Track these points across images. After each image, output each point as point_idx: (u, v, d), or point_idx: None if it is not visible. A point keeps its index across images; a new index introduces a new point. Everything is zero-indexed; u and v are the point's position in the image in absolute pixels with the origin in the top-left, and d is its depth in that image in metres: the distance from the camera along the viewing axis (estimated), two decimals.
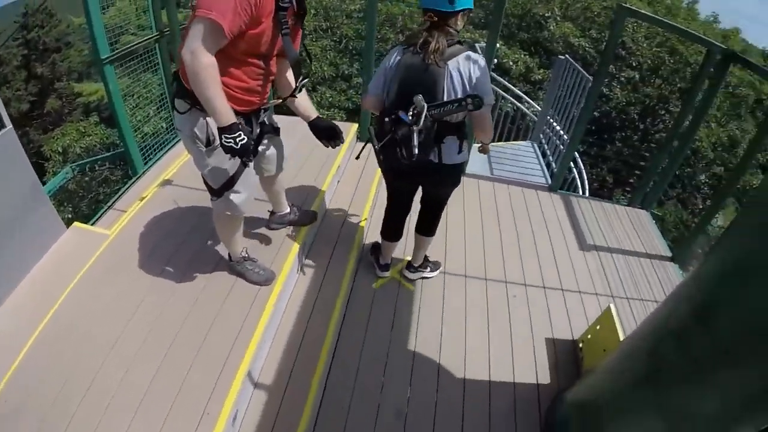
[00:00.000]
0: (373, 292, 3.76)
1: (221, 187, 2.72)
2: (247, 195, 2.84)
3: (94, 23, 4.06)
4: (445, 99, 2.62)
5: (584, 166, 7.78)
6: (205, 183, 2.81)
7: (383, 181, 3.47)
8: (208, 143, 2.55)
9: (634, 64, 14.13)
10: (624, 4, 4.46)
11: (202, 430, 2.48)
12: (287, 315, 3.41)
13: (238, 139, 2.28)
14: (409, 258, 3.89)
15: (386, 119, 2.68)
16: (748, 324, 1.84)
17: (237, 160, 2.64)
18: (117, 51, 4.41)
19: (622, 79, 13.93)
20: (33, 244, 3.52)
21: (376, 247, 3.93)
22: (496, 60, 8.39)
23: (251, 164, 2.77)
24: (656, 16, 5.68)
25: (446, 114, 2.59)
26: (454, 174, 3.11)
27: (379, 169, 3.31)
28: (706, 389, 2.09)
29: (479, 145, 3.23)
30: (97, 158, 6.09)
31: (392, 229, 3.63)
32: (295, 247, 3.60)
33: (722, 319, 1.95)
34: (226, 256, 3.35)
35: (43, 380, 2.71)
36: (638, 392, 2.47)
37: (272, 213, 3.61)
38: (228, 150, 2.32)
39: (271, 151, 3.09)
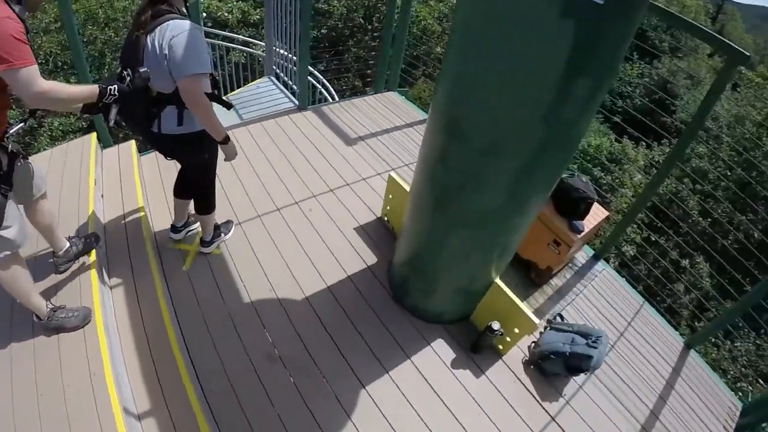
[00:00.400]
0: (188, 273, 3.62)
1: None
2: (19, 225, 2.58)
3: None
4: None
5: (332, 81, 7.97)
6: None
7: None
8: None
9: None
10: None
11: None
12: (124, 338, 3.14)
13: (114, 92, 2.39)
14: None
15: None
16: (486, 125, 2.24)
17: None
18: None
19: None
20: None
21: None
22: (205, 14, 8.06)
23: (11, 193, 2.52)
24: None
25: (136, 87, 2.52)
26: (179, 144, 2.93)
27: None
28: (483, 191, 2.50)
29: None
30: None
31: (176, 184, 3.51)
32: (94, 273, 3.27)
33: (469, 130, 2.32)
34: (36, 319, 2.92)
35: None
36: (437, 220, 2.85)
37: (55, 255, 3.21)
38: (117, 100, 2.45)
39: (27, 173, 2.78)
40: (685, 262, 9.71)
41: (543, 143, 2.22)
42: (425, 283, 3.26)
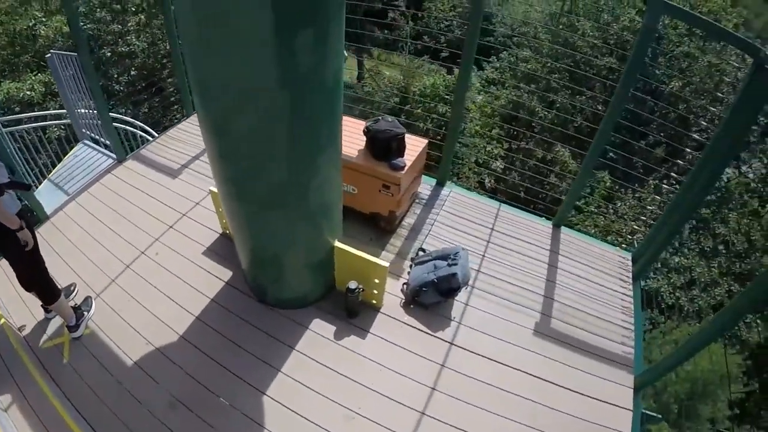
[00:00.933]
0: (69, 363, 3.47)
1: None
2: None
3: None
4: None
5: (162, 118, 7.58)
6: None
7: None
8: None
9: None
10: None
11: None
12: None
13: None
14: None
15: None
16: (231, 101, 2.40)
17: None
18: None
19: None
20: None
21: None
22: None
23: None
24: None
25: None
26: None
27: None
28: (263, 168, 2.65)
29: None
30: None
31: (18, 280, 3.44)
32: None
33: (222, 118, 2.50)
34: None
35: None
36: (244, 210, 2.99)
37: None
38: None
39: None
40: (549, 156, 10.25)
41: (291, 100, 2.34)
42: (273, 273, 3.33)
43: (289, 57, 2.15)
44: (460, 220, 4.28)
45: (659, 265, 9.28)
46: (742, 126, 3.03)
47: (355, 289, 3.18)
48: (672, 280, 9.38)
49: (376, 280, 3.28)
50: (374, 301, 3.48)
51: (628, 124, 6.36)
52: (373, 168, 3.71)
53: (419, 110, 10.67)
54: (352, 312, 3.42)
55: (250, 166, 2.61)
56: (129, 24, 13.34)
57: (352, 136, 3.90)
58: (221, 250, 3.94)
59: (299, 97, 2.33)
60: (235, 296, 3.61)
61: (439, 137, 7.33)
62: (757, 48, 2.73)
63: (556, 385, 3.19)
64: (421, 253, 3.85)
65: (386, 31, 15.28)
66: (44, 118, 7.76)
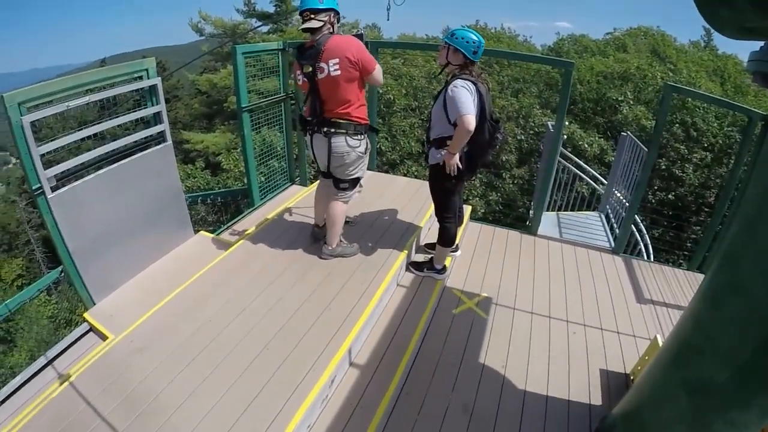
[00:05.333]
0: (453, 315, 4.45)
1: (356, 179, 4.25)
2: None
3: (240, 80, 5.15)
4: None
5: (664, 250, 7.89)
6: (346, 182, 4.22)
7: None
8: (364, 153, 4.18)
9: (706, 145, 14.20)
10: (670, 83, 4.95)
11: (306, 382, 3.20)
12: (384, 316, 4.17)
13: None
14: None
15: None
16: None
17: (366, 164, 4.38)
18: (252, 103, 5.49)
19: (695, 160, 14.02)
20: (169, 237, 4.73)
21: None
22: (565, 136, 8.99)
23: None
24: (698, 91, 6.14)
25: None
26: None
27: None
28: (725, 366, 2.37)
29: None
30: (209, 193, 7.56)
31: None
32: (396, 265, 4.46)
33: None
34: (326, 246, 4.46)
35: (168, 333, 3.64)
36: (666, 376, 2.81)
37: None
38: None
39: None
40: None
41: None
42: None
43: None
44: None
45: None
46: None
47: None
48: None
49: None
50: None
51: None
52: None
53: None
54: None
55: (711, 387, 2.40)
56: (694, 154, 13.73)
57: None
58: (612, 383, 3.91)
59: None
60: (581, 426, 3.56)
61: None
62: None
63: None
64: None
65: None
66: (583, 170, 8.89)
